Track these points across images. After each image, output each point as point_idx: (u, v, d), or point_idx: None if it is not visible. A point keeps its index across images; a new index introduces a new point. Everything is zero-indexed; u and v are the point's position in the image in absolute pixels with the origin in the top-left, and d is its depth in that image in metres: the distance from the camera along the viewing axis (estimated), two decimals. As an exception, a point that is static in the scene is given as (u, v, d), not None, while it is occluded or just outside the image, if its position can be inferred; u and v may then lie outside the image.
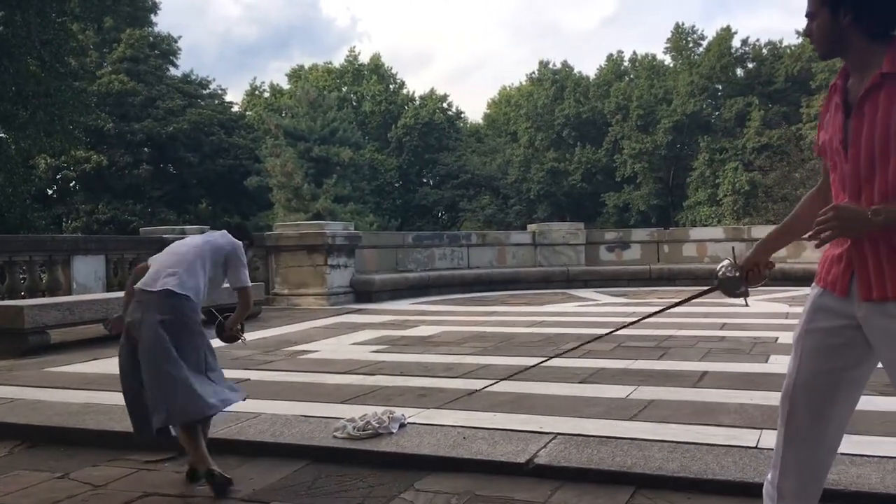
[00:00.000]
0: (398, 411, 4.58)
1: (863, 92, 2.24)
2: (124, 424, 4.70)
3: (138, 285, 4.00)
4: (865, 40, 2.26)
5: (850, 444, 3.40)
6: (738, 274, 2.64)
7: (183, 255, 4.15)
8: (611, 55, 52.78)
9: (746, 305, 2.82)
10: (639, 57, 51.98)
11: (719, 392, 5.05)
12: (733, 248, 2.83)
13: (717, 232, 17.60)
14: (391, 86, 53.43)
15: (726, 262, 2.68)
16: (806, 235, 2.44)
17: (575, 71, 53.11)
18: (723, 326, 8.47)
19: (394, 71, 54.47)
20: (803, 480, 2.42)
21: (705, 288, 2.89)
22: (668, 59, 50.48)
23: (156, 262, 4.16)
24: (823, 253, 2.41)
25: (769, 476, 2.49)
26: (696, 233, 17.41)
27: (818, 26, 2.32)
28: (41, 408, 5.21)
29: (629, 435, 4.10)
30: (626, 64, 52.47)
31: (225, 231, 4.50)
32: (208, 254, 4.23)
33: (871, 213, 2.16)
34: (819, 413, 2.37)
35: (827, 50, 2.36)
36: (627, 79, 50.97)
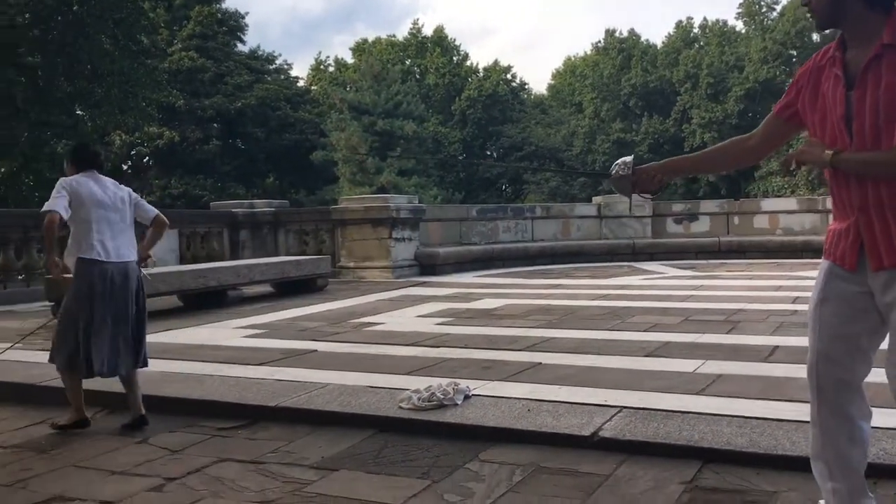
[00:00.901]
0: (463, 383, 4.62)
1: (865, 63, 2.23)
2: (199, 392, 4.87)
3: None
4: (865, 10, 2.25)
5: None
6: (629, 174, 2.70)
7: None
8: (680, 22, 51.56)
9: (630, 212, 2.89)
10: (709, 23, 50.61)
11: (791, 367, 4.93)
12: (633, 156, 2.84)
13: (790, 203, 17.10)
14: (455, 58, 53.20)
15: (627, 159, 2.73)
16: (781, 161, 2.50)
17: (642, 39, 52.02)
18: (795, 300, 8.27)
19: (457, 43, 54.25)
20: (844, 450, 2.44)
21: (596, 172, 3.04)
22: (739, 25, 49.06)
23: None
24: (829, 227, 2.46)
25: (812, 451, 2.53)
26: (768, 204, 16.95)
27: None
28: (120, 376, 5.41)
29: (697, 409, 4.05)
30: (695, 31, 51.14)
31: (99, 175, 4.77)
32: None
33: (829, 152, 2.27)
34: (844, 379, 2.41)
35: (826, 20, 2.35)
36: (697, 46, 49.69)
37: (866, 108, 2.23)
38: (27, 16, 22.37)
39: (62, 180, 4.59)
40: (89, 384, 4.58)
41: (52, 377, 5.38)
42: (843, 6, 2.27)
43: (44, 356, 6.17)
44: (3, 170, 24.83)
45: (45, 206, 4.44)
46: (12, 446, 4.21)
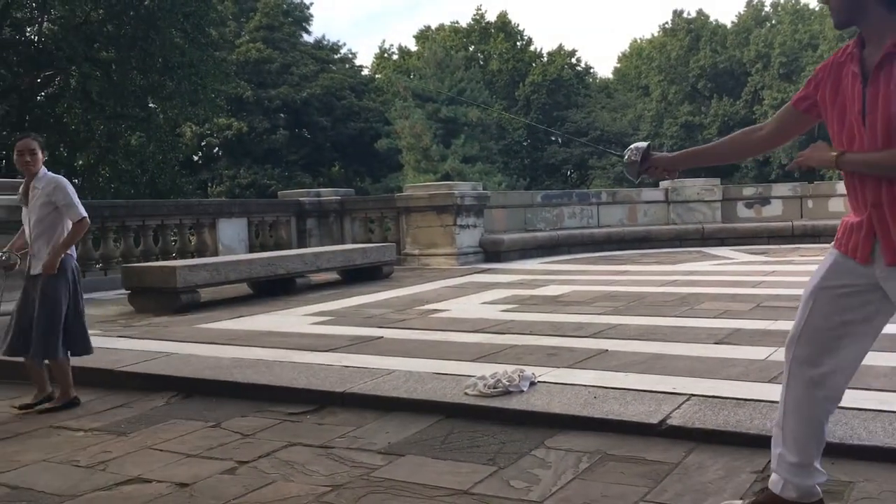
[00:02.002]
0: (528, 370, 4.61)
1: (877, 62, 2.29)
2: (269, 378, 4.98)
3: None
4: (884, 10, 2.29)
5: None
6: (637, 160, 2.85)
7: None
8: (750, 0, 50.03)
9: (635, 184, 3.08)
10: (781, 1, 49.01)
11: (869, 354, 4.77)
12: (651, 142, 3.02)
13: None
14: (518, 43, 52.77)
15: (639, 145, 2.88)
16: (789, 166, 2.72)
17: (711, 19, 50.73)
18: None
19: (521, 28, 53.77)
20: (805, 427, 2.60)
21: (609, 151, 3.30)
22: (813, 2, 47.37)
23: None
24: (842, 219, 2.54)
25: (777, 418, 2.68)
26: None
27: None
28: (194, 362, 5.57)
29: (768, 398, 3.95)
30: (767, 9, 49.65)
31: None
32: None
33: (834, 153, 2.37)
34: (818, 361, 2.53)
35: (845, 18, 2.38)
36: (769, 25, 48.25)
37: (879, 105, 2.29)
38: (101, 12, 23.06)
39: (66, 181, 5.00)
40: (161, 370, 4.70)
41: (131, 362, 5.57)
42: (863, 6, 2.32)
43: (123, 342, 6.41)
44: (80, 162, 25.70)
45: (82, 212, 4.93)
46: (92, 429, 4.38)
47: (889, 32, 2.29)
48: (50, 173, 4.96)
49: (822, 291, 2.54)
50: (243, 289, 9.56)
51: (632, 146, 2.92)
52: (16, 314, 4.92)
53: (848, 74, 2.41)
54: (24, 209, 5.01)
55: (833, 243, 2.57)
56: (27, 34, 24.54)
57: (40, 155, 4.91)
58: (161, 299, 8.26)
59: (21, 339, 4.85)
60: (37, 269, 4.87)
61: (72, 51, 21.85)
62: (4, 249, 5.08)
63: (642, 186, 16.67)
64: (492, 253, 13.30)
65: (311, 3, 44.77)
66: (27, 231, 4.99)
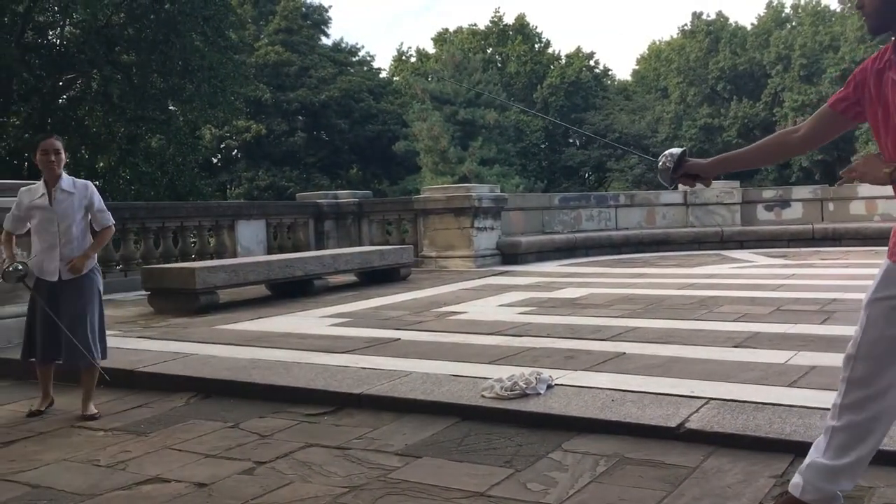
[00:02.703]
0: (545, 372, 4.60)
1: None
2: (287, 379, 5.00)
3: None
4: None
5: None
6: (670, 167, 2.81)
7: None
8: (770, 2, 49.67)
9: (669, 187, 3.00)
10: (801, 3, 48.61)
11: (889, 359, 4.73)
12: (685, 148, 2.96)
13: (888, 187, 16.28)
14: (536, 45, 52.67)
15: (674, 152, 2.83)
16: (844, 173, 2.57)
17: (730, 21, 50.41)
18: (894, 290, 7.90)
19: (539, 30, 53.68)
20: (857, 439, 2.51)
21: (646, 156, 3.42)
22: (834, 3, 47.00)
23: None
24: (894, 229, 2.49)
25: (824, 426, 2.63)
26: (866, 189, 16.13)
27: (870, 1, 2.31)
28: (213, 363, 5.60)
29: (788, 402, 3.93)
30: (787, 11, 49.23)
31: None
32: None
33: (888, 169, 2.29)
34: (879, 375, 2.44)
35: (879, 23, 2.35)
36: (789, 26, 47.84)
37: None
38: (122, 16, 23.27)
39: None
40: (180, 371, 4.73)
41: (151, 363, 5.61)
42: None
43: (143, 343, 6.46)
44: (101, 164, 25.93)
45: (111, 219, 4.99)
46: (112, 429, 4.42)
47: None
48: (71, 177, 4.88)
49: (875, 303, 2.48)
50: (261, 290, 9.60)
51: (666, 152, 2.88)
52: (43, 320, 4.72)
53: (888, 82, 2.36)
54: (40, 213, 4.75)
55: (887, 254, 2.52)
56: (49, 38, 24.79)
57: (63, 155, 4.81)
58: (180, 300, 8.32)
59: (56, 347, 4.75)
60: (67, 274, 4.72)
61: (93, 54, 22.07)
62: (17, 261, 4.78)
63: (661, 189, 16.59)
64: (509, 255, 13.28)
65: (330, 6, 45.03)
66: (46, 237, 4.73)
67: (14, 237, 4.90)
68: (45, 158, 4.72)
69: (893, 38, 2.38)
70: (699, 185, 2.89)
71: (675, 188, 3.00)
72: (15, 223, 4.87)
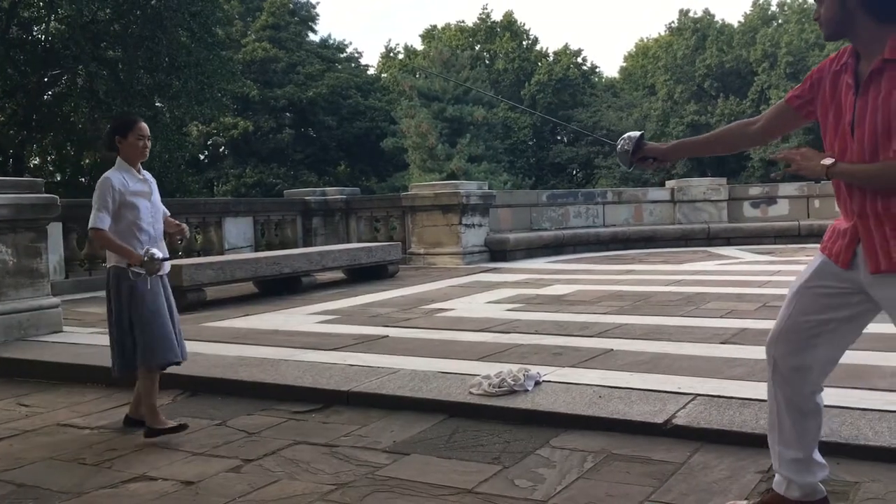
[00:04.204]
0: (533, 369, 4.60)
1: (867, 75, 2.33)
2: (274, 376, 4.99)
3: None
4: (873, 24, 2.32)
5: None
6: (629, 150, 2.92)
7: None
8: (756, 0, 49.89)
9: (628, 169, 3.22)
10: (788, 1, 48.85)
11: (875, 355, 4.76)
12: (643, 132, 3.09)
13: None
14: (524, 42, 52.71)
15: (633, 135, 2.95)
16: (774, 156, 2.73)
17: (717, 18, 50.60)
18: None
19: (526, 27, 53.69)
20: (799, 421, 2.65)
21: (601, 139, 3.90)
22: (820, 1, 47.11)
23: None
24: (831, 224, 2.62)
25: (768, 421, 2.74)
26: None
27: (826, 9, 2.39)
28: (200, 360, 5.56)
29: (774, 398, 3.95)
30: (773, 8, 49.46)
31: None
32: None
33: (827, 164, 2.39)
34: (799, 356, 2.59)
35: (833, 32, 2.43)
36: (775, 24, 48.07)
37: (867, 118, 2.33)
38: (108, 11, 23.13)
39: None
40: (170, 368, 4.67)
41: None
42: (851, 20, 2.35)
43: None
44: (87, 161, 25.77)
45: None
46: (98, 427, 4.40)
47: (878, 45, 2.32)
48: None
49: (805, 291, 2.61)
50: (249, 287, 9.57)
51: (624, 135, 2.98)
52: (162, 318, 4.17)
53: (843, 84, 2.44)
54: (144, 201, 4.20)
55: (819, 246, 2.64)
56: (34, 33, 24.63)
57: None
58: (167, 298, 8.25)
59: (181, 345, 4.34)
60: (166, 268, 4.30)
61: (79, 50, 21.92)
62: (152, 251, 4.12)
63: (648, 185, 16.64)
64: (497, 252, 13.30)
65: (318, 3, 44.98)
66: (152, 226, 4.23)
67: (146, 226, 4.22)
68: (140, 143, 4.17)
69: (850, 44, 2.45)
70: (674, 181, 2.98)
71: (633, 170, 3.13)
72: (109, 218, 4.11)
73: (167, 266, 4.32)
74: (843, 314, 2.55)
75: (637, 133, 2.96)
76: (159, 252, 4.16)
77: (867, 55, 2.37)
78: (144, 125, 4.25)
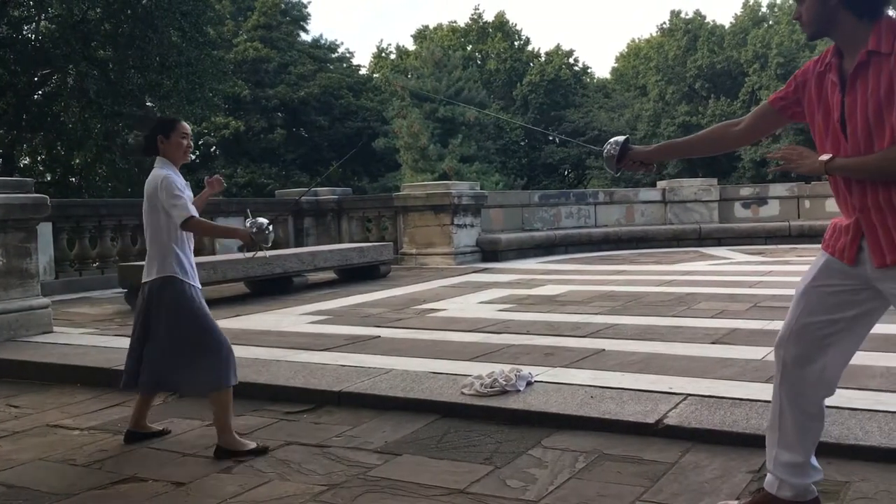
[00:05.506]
0: (525, 369, 4.61)
1: (852, 70, 2.35)
2: (266, 377, 4.97)
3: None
4: (853, 20, 2.35)
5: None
6: (615, 155, 2.94)
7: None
8: (747, 1, 50.08)
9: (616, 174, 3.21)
10: (778, 2, 49.07)
11: (865, 354, 4.74)
12: (628, 136, 3.14)
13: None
14: (516, 43, 52.76)
15: (618, 139, 2.97)
16: (772, 154, 2.67)
17: (708, 20, 50.77)
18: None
19: (518, 28, 53.75)
20: (800, 425, 2.64)
21: (590, 145, 3.74)
22: (810, 2, 47.32)
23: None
24: (831, 221, 2.61)
25: (770, 420, 2.74)
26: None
27: (807, 8, 2.41)
28: (190, 360, 5.55)
29: (765, 397, 3.94)
30: (764, 10, 49.68)
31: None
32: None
33: (825, 159, 2.40)
34: (810, 358, 2.58)
35: (816, 31, 2.45)
36: (766, 25, 48.25)
37: (857, 111, 2.34)
38: (99, 10, 23.01)
39: None
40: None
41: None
42: (832, 17, 2.37)
43: (119, 341, 6.39)
44: (78, 161, 25.65)
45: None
46: (89, 428, 4.38)
47: (861, 40, 2.33)
48: None
49: (812, 291, 2.60)
50: (240, 288, 9.55)
51: (610, 140, 3.00)
52: (220, 333, 4.02)
53: (829, 84, 2.46)
54: (191, 204, 4.06)
55: (822, 244, 2.63)
56: (24, 32, 24.47)
57: None
58: (158, 298, 8.22)
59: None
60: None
61: (69, 49, 21.80)
62: (258, 220, 4.04)
63: (639, 186, 16.68)
64: (489, 252, 13.30)
65: (309, 3, 44.83)
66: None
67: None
68: (185, 141, 4.09)
69: (834, 44, 2.46)
70: (665, 182, 2.99)
71: (620, 174, 3.19)
72: (192, 204, 4.03)
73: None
74: (851, 313, 2.53)
75: (622, 137, 2.99)
76: (262, 218, 4.00)
77: (850, 52, 2.38)
78: (186, 124, 4.12)
